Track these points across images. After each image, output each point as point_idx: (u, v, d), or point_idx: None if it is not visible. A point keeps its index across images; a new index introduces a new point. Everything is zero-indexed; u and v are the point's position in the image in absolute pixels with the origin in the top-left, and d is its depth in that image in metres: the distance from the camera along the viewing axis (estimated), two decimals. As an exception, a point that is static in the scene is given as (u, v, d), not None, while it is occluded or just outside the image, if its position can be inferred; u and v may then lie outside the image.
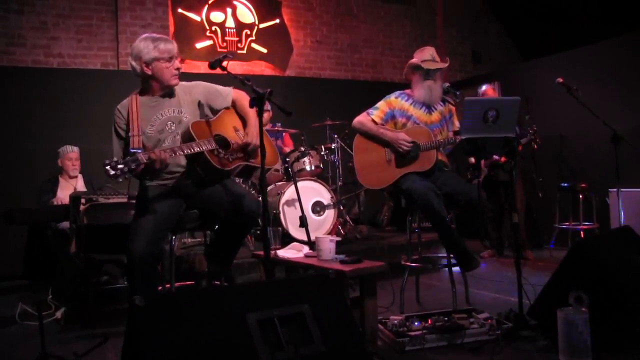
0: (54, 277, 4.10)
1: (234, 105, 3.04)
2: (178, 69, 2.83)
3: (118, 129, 2.82)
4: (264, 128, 2.60)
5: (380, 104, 3.58)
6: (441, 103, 3.62)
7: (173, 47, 2.80)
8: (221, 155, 2.82)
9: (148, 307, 1.74)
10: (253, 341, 1.80)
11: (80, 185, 4.73)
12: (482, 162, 5.02)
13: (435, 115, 3.59)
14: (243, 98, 3.02)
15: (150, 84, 2.82)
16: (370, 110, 3.57)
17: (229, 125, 2.97)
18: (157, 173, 2.71)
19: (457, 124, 3.69)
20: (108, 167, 2.37)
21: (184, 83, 2.94)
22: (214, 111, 2.99)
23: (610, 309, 2.41)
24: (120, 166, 2.39)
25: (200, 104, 2.95)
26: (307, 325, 1.93)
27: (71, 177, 4.71)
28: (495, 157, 5.05)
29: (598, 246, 2.68)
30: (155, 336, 1.71)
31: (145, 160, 2.50)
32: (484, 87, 5.35)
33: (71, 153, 4.71)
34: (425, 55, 3.56)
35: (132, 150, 2.61)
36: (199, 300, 1.89)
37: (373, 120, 3.53)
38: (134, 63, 2.77)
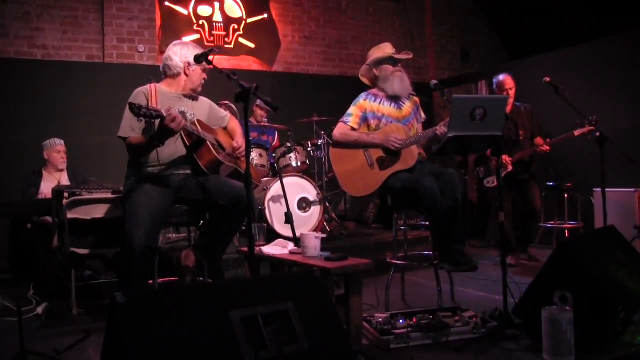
0: (35, 272, 4.04)
1: (227, 126, 3.41)
2: (205, 79, 3.20)
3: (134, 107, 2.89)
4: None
5: (352, 110, 3.55)
6: (407, 96, 3.62)
7: None
8: (220, 152, 3.09)
9: (129, 304, 1.71)
10: (236, 339, 1.78)
11: (64, 179, 4.65)
12: (508, 159, 4.67)
13: (406, 110, 3.59)
14: (232, 121, 3.44)
15: (179, 82, 3.13)
16: (344, 119, 3.53)
17: (222, 138, 3.25)
18: (169, 135, 2.77)
19: (423, 115, 3.71)
20: (133, 106, 2.55)
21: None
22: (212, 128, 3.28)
23: (594, 308, 2.42)
24: (144, 110, 2.59)
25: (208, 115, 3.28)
26: (291, 323, 1.91)
27: (57, 171, 4.63)
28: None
29: (583, 246, 2.69)
30: (136, 333, 1.68)
31: (164, 114, 2.65)
32: (501, 77, 4.82)
33: (59, 146, 4.64)
34: (388, 49, 3.59)
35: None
36: (182, 297, 1.87)
37: (352, 128, 3.50)
38: (176, 59, 3.08)
